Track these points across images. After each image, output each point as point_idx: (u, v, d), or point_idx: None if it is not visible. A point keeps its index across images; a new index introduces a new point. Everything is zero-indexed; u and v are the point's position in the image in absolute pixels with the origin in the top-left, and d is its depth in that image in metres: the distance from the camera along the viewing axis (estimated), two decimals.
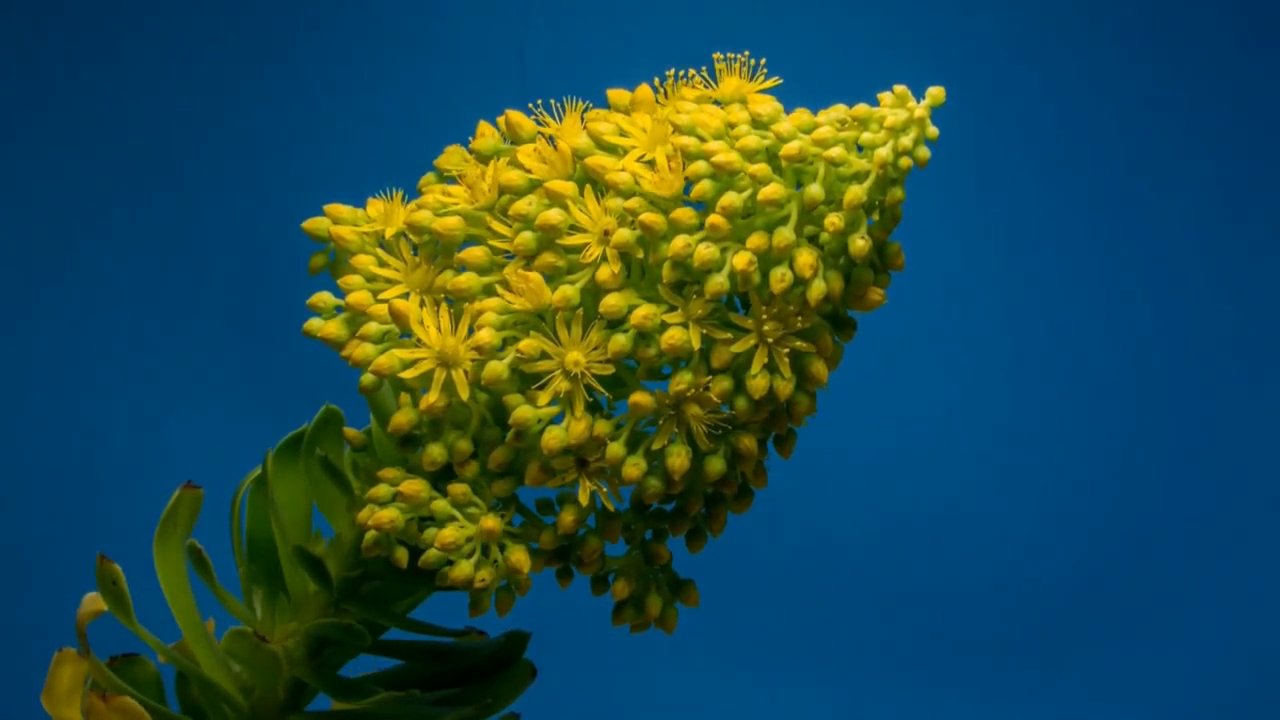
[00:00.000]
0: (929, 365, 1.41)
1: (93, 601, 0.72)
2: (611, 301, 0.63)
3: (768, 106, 0.64)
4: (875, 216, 0.63)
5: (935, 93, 0.63)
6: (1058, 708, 1.38)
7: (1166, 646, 1.38)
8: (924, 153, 0.62)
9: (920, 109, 0.62)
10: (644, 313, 0.62)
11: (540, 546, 0.65)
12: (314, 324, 0.67)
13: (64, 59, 1.38)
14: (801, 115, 0.64)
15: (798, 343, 0.63)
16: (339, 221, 0.69)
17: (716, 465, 0.64)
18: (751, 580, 1.35)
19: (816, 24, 1.40)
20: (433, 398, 0.63)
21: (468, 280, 0.64)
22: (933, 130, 0.63)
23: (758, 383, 0.62)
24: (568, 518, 0.64)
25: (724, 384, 0.63)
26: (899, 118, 0.62)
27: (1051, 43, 1.43)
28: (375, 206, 0.68)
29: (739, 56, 0.67)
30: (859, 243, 0.62)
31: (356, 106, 1.38)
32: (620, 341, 0.62)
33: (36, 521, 1.32)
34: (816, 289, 0.62)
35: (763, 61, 0.67)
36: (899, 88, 0.63)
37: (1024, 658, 1.39)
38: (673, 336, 0.62)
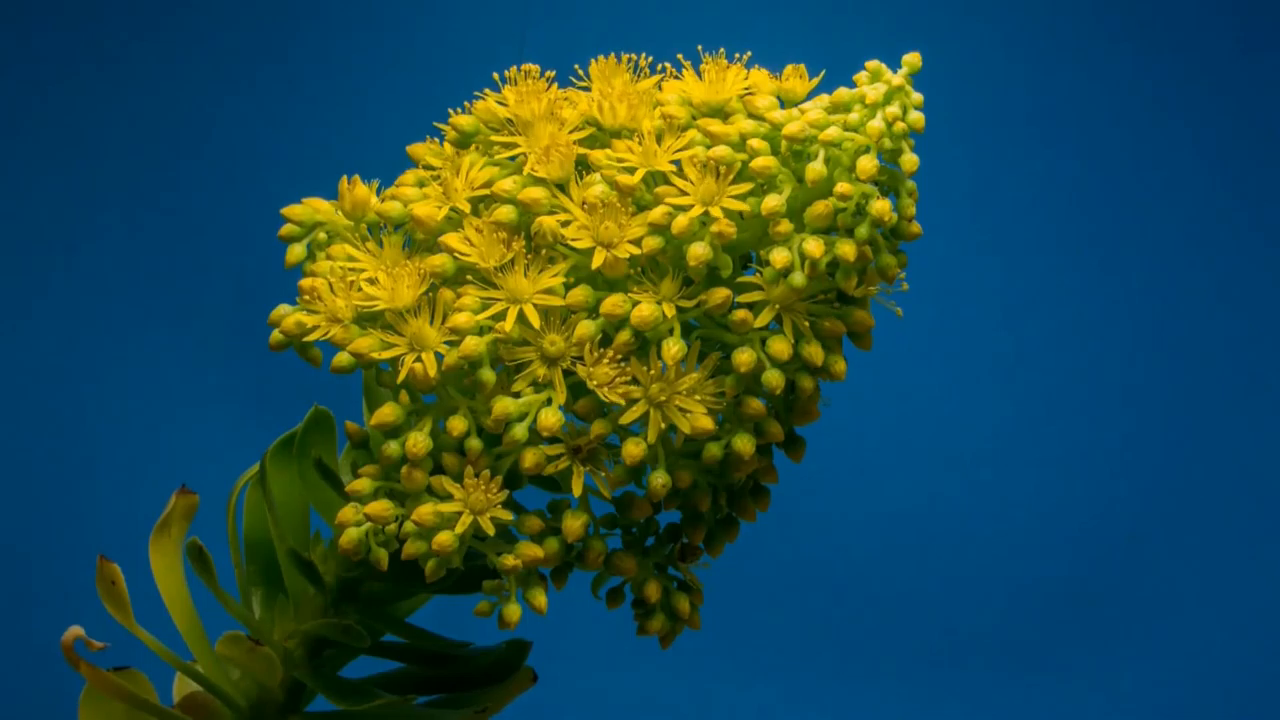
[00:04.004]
0: (928, 366, 1.40)
1: (72, 632, 0.72)
2: (579, 294, 0.62)
3: (763, 100, 0.64)
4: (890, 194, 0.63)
5: (911, 59, 0.62)
6: (1057, 708, 1.37)
7: (1165, 647, 1.38)
8: (916, 117, 0.62)
9: (898, 78, 0.62)
10: (613, 300, 0.62)
11: (546, 553, 0.64)
12: (275, 336, 0.66)
13: (62, 61, 1.38)
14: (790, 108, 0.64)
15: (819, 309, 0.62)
16: (319, 212, 0.69)
17: (744, 443, 0.63)
18: (750, 583, 1.35)
19: (815, 22, 1.40)
20: (404, 373, 0.62)
21: (442, 260, 0.64)
22: (917, 96, 0.62)
23: (781, 347, 0.62)
24: (574, 523, 0.63)
25: (747, 355, 0.62)
26: (879, 92, 0.62)
27: (1051, 43, 1.43)
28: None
29: (718, 52, 0.67)
30: (878, 204, 0.61)
31: (359, 111, 1.39)
32: (587, 327, 0.62)
33: (36, 522, 1.33)
34: (845, 248, 0.61)
35: (747, 55, 0.67)
36: (871, 64, 0.63)
37: (1022, 658, 1.38)
38: (642, 311, 0.61)
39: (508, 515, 0.63)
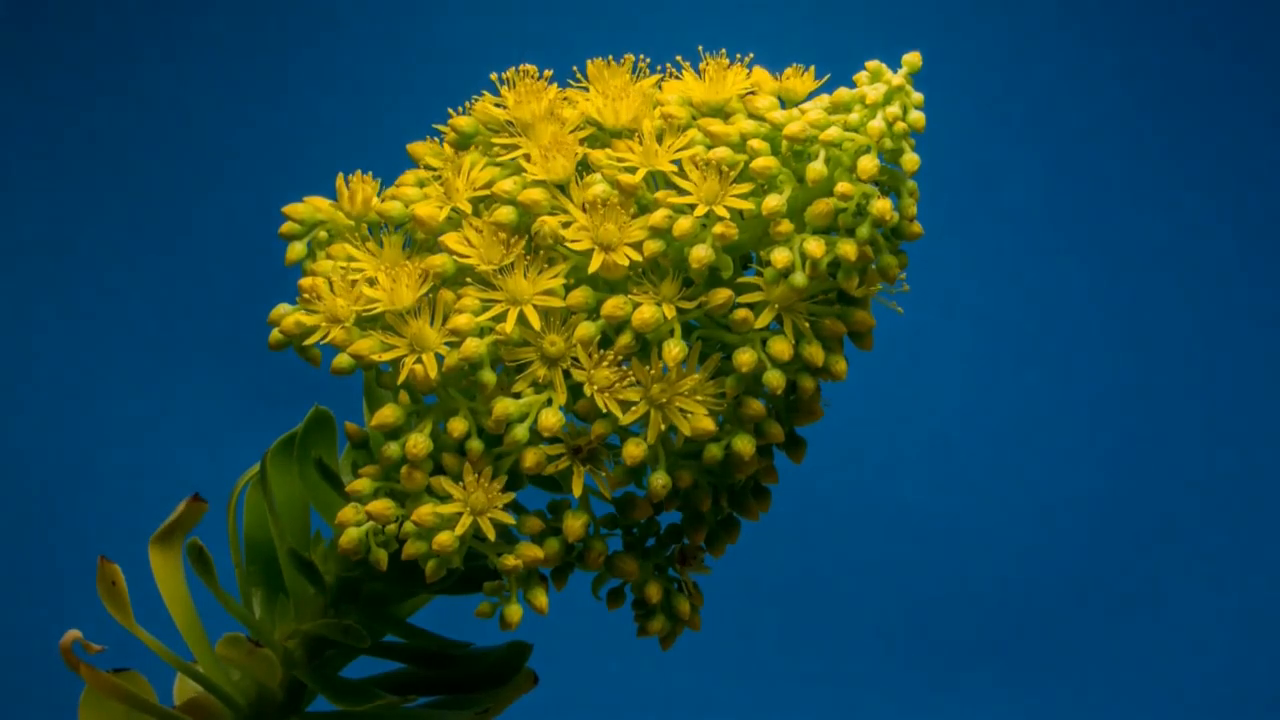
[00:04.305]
0: (929, 366, 1.40)
1: (70, 635, 0.71)
2: (579, 296, 0.62)
3: (764, 100, 0.64)
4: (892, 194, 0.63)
5: (911, 59, 0.62)
6: (1057, 708, 1.37)
7: (1165, 647, 1.38)
8: (917, 116, 0.62)
9: (898, 78, 0.62)
10: (614, 303, 0.61)
11: (546, 554, 0.64)
12: (275, 336, 0.66)
13: (64, 61, 1.38)
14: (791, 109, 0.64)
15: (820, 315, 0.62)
16: (320, 210, 0.69)
17: (745, 444, 0.63)
18: (750, 584, 1.35)
19: (815, 22, 1.40)
20: (404, 374, 0.62)
21: (443, 260, 0.63)
22: (917, 96, 0.62)
23: (781, 347, 0.62)
24: (575, 523, 0.63)
25: (748, 354, 0.62)
26: (879, 92, 0.62)
27: (1051, 44, 1.43)
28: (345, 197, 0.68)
29: (719, 53, 0.66)
30: (879, 204, 0.61)
31: (359, 111, 1.39)
32: (587, 328, 0.62)
33: (36, 522, 1.33)
34: (846, 247, 0.61)
35: (749, 58, 0.67)
36: (871, 63, 0.63)
37: (1022, 658, 1.38)
38: (643, 313, 0.61)
39: (509, 518, 0.63)
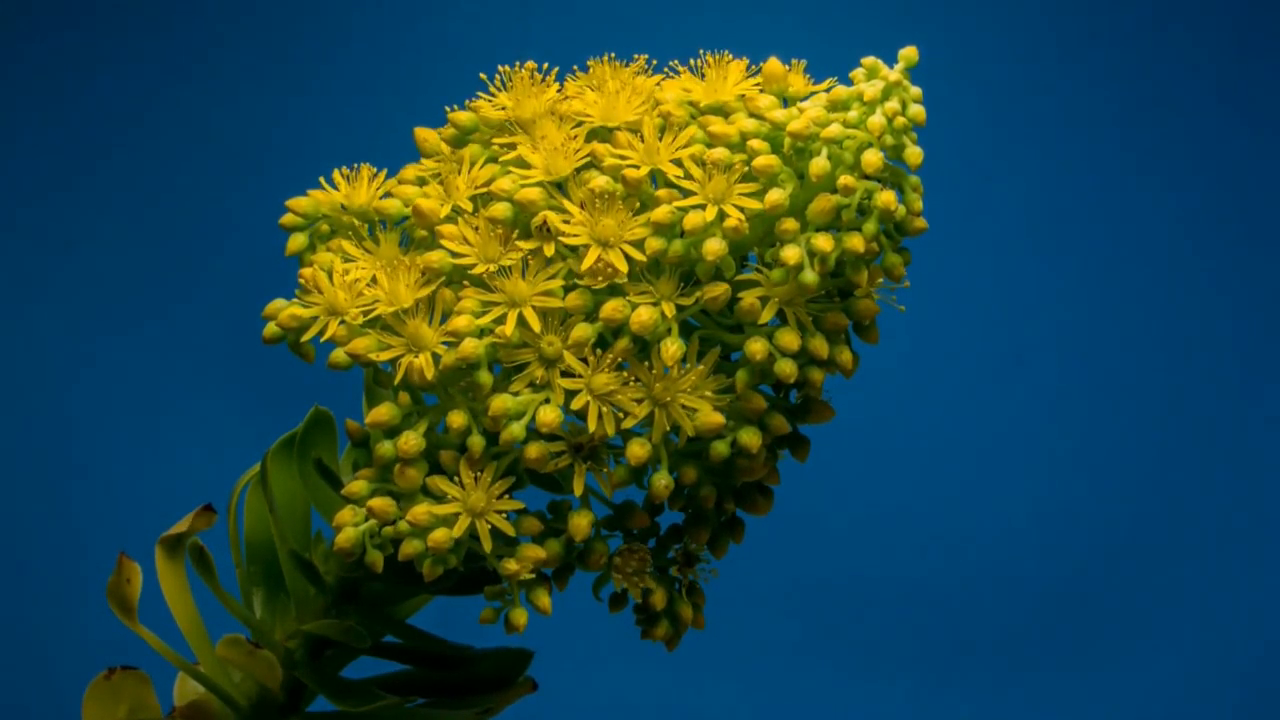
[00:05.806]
0: (929, 367, 1.40)
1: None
2: (577, 297, 0.62)
3: (765, 99, 0.64)
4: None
5: (907, 53, 0.62)
6: (1058, 707, 1.37)
7: (1166, 646, 1.38)
8: (917, 110, 0.62)
9: (895, 73, 0.62)
10: (613, 305, 0.61)
11: (548, 554, 0.64)
12: (270, 329, 0.65)
13: (64, 58, 1.38)
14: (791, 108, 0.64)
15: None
16: (323, 205, 0.69)
17: (751, 436, 0.63)
18: (751, 584, 1.35)
19: (815, 22, 1.40)
20: (400, 373, 0.62)
21: (439, 257, 0.63)
22: (915, 90, 0.62)
23: (789, 339, 0.61)
24: (580, 522, 0.63)
25: (759, 344, 0.61)
26: (876, 89, 0.62)
27: (1051, 43, 1.43)
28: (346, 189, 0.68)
29: (722, 54, 0.66)
30: (883, 195, 0.61)
31: (360, 111, 1.39)
32: (584, 330, 0.61)
33: (35, 522, 1.33)
34: (853, 240, 0.61)
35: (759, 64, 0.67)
36: (867, 60, 0.63)
37: (1023, 657, 1.38)
38: (640, 315, 0.61)
39: (508, 526, 0.63)
